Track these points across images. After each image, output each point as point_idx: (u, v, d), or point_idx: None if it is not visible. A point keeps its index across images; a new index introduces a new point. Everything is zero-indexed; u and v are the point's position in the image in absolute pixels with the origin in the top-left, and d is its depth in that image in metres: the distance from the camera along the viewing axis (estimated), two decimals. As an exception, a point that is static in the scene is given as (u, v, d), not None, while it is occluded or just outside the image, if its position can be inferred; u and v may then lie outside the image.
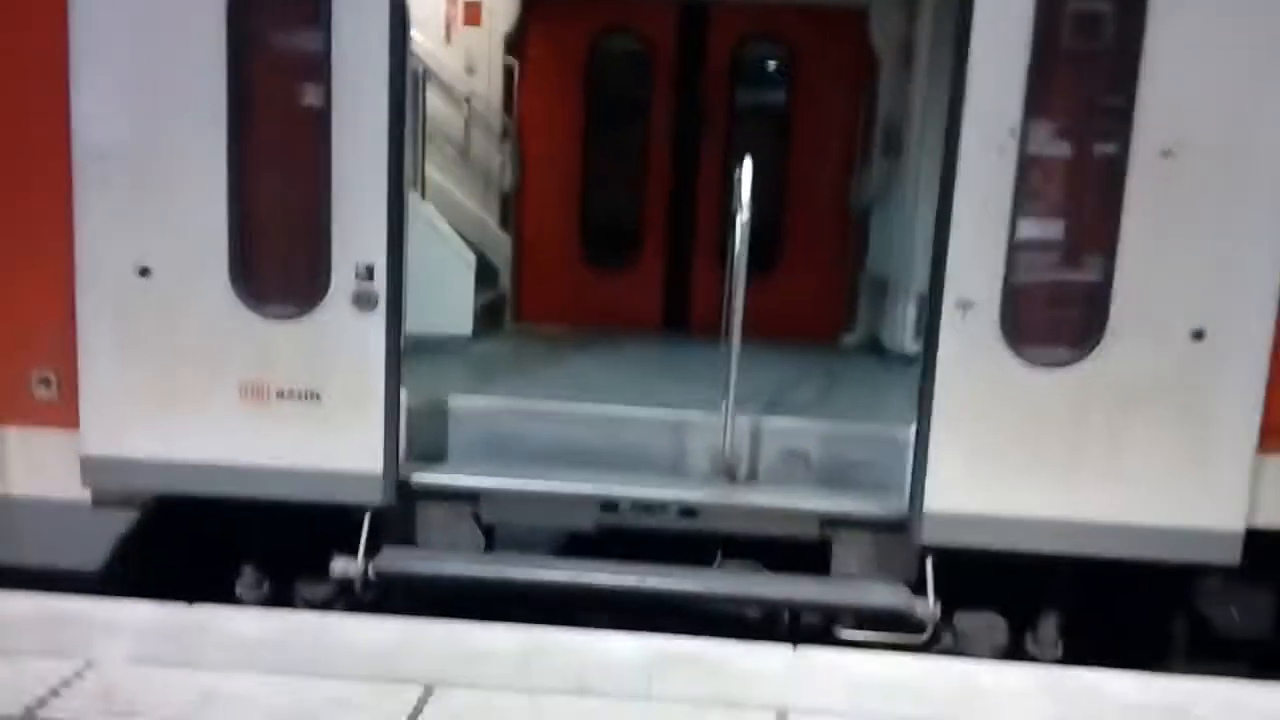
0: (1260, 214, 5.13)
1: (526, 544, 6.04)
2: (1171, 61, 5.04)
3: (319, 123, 5.27)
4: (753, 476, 5.84)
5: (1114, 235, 5.19)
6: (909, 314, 7.73)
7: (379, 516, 5.58)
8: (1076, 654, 5.61)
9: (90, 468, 5.53)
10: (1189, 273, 5.18)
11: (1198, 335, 5.21)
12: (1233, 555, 5.31)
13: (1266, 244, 5.14)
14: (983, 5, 5.07)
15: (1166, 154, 5.10)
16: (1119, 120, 5.14)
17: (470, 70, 9.04)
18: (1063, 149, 5.32)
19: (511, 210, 9.33)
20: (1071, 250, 5.38)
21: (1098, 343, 5.26)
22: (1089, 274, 5.32)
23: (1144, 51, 5.06)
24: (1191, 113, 5.07)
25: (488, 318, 8.59)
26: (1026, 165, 5.18)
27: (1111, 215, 5.19)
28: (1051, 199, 5.33)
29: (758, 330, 8.47)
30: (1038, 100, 5.14)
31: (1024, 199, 5.21)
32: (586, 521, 5.72)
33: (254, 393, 5.41)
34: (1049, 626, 5.75)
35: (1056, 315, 5.43)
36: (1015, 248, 5.23)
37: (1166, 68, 5.05)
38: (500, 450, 5.92)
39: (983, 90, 5.12)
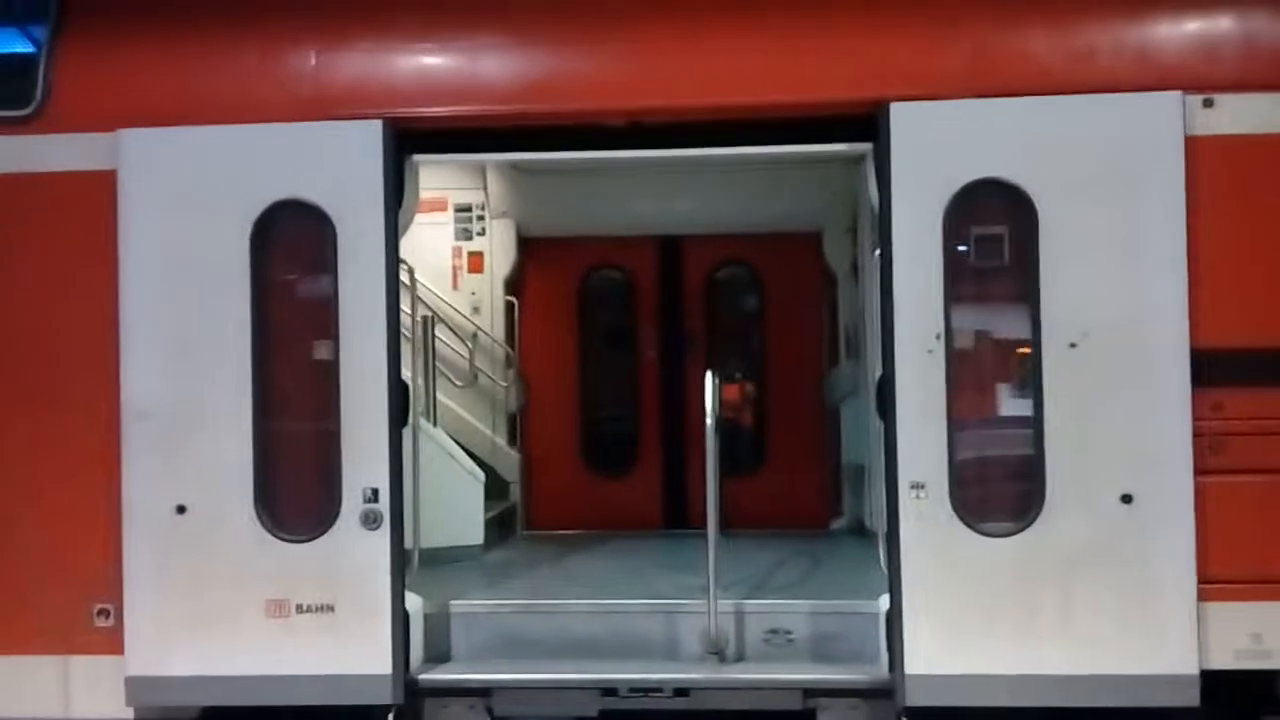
0: (1165, 388, 5.38)
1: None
2: (1064, 269, 5.44)
3: (329, 370, 5.68)
4: (740, 655, 5.89)
5: (1039, 416, 5.46)
6: (883, 497, 7.87)
7: (401, 717, 5.62)
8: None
9: (134, 687, 5.67)
10: (1110, 444, 5.40)
11: (1126, 499, 5.38)
12: (1191, 698, 5.32)
13: (1176, 413, 5.37)
14: (900, 233, 5.52)
15: (1073, 345, 5.42)
16: (1029, 319, 5.50)
17: (476, 310, 9.57)
18: (983, 346, 5.67)
19: (519, 429, 9.62)
20: (1004, 431, 5.63)
21: (1039, 511, 5.43)
22: (1023, 451, 5.54)
23: (1040, 262, 5.46)
24: (1088, 310, 5.42)
25: (500, 528, 8.76)
26: (954, 362, 5.50)
27: (1035, 399, 5.47)
28: (980, 388, 5.65)
29: (753, 522, 8.66)
30: (956, 308, 5.51)
31: (956, 390, 5.50)
32: (589, 708, 5.75)
33: (277, 609, 5.59)
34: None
35: (1000, 490, 5.63)
36: (954, 433, 5.48)
37: (1061, 274, 5.44)
38: (510, 647, 6.02)
39: (908, 302, 5.51)
